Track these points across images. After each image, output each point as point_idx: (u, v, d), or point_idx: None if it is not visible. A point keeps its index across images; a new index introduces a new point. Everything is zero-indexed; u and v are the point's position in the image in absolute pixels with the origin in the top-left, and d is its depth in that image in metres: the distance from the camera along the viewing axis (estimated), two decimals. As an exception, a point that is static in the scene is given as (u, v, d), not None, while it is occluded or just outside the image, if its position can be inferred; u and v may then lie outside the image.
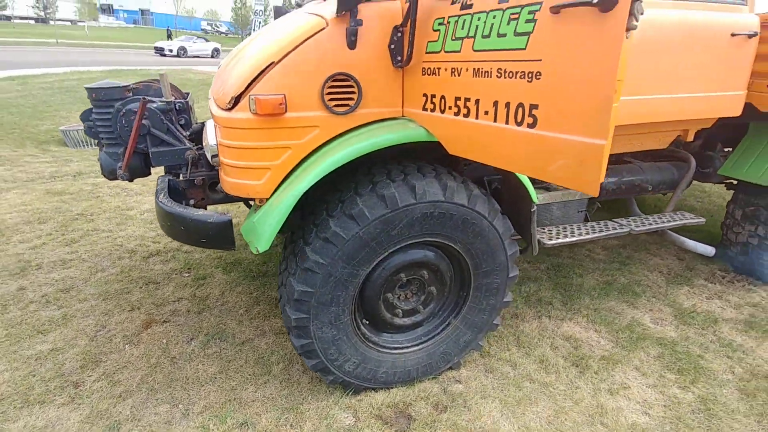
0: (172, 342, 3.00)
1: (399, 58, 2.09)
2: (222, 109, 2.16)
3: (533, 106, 1.48)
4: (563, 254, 4.36)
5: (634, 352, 3.03)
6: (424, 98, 2.05)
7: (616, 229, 3.02)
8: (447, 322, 2.70)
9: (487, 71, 1.65)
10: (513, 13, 1.51)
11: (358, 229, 2.15)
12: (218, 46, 34.19)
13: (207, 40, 35.12)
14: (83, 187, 6.00)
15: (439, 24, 1.90)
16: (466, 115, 1.81)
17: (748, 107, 3.12)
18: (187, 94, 3.16)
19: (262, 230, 2.07)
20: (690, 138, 3.22)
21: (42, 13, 46.46)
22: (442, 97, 1.93)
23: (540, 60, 1.43)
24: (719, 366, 2.95)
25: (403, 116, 2.24)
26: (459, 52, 1.78)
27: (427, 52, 1.99)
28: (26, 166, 6.98)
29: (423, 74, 2.03)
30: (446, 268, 2.57)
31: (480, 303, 2.65)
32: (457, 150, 1.96)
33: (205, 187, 2.67)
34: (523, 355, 2.98)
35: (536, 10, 1.43)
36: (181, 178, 2.63)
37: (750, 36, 2.82)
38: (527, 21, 1.46)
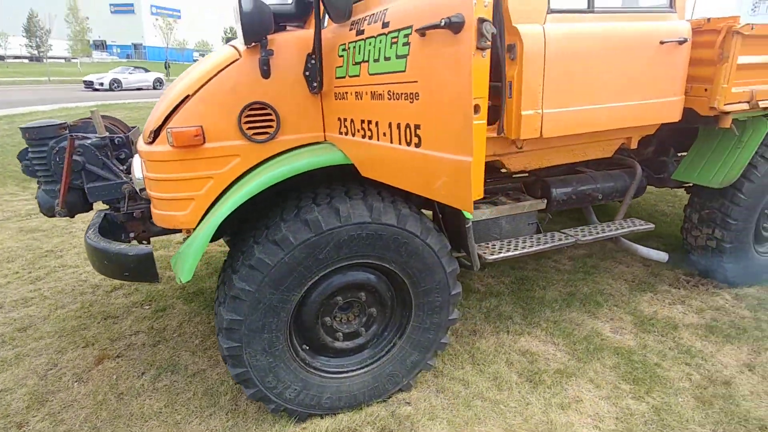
0: (122, 377, 2.96)
1: (314, 84, 2.12)
2: (144, 142, 2.18)
3: (417, 126, 1.49)
4: (528, 266, 4.34)
5: (590, 364, 2.99)
6: (339, 122, 2.08)
7: (562, 240, 3.01)
8: (392, 343, 2.67)
9: (381, 94, 1.67)
10: (393, 37, 1.54)
11: (283, 255, 2.14)
12: (161, 76, 30.36)
13: (147, 70, 30.73)
14: (57, 223, 6.00)
15: (343, 50, 1.93)
16: (370, 137, 1.83)
17: (691, 112, 3.14)
18: (133, 128, 3.19)
19: (184, 261, 2.07)
20: (634, 145, 3.23)
21: (35, 52, 47.32)
22: (351, 120, 1.95)
23: (416, 81, 1.45)
24: (676, 374, 2.91)
25: (325, 141, 2.26)
26: (359, 76, 1.81)
27: (336, 78, 2.02)
28: (4, 205, 7.00)
29: (336, 99, 2.06)
30: (385, 289, 2.56)
31: (424, 322, 2.63)
32: (368, 172, 1.97)
33: (144, 220, 2.68)
34: (477, 372, 2.94)
35: (409, 34, 1.46)
36: (120, 211, 2.64)
37: (680, 42, 2.85)
38: (404, 44, 1.49)
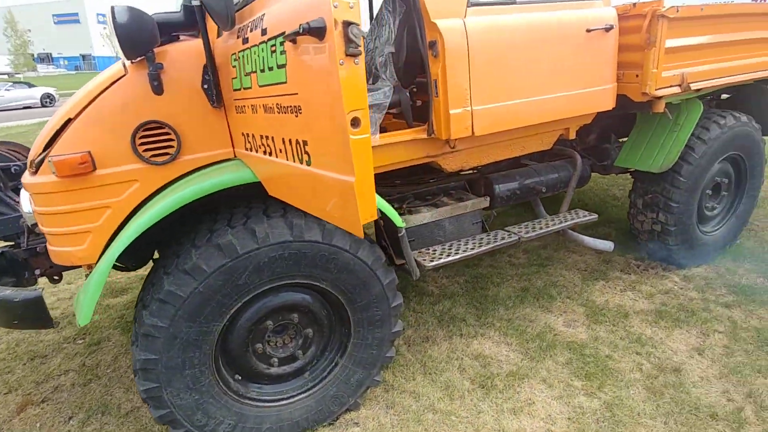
0: (47, 425, 2.72)
1: (214, 97, 1.94)
2: (29, 173, 1.97)
3: (305, 143, 1.35)
4: (483, 263, 4.26)
5: (543, 362, 2.92)
6: (243, 137, 1.91)
7: (504, 239, 2.92)
8: (334, 363, 2.53)
9: (271, 107, 1.52)
10: (272, 45, 1.39)
11: (196, 285, 1.97)
12: (51, 91, 24.54)
13: (31, 85, 25.34)
14: (-11, 254, 5.61)
15: (234, 60, 1.77)
16: (270, 154, 1.67)
17: (625, 99, 3.10)
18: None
19: (81, 302, 1.87)
20: (572, 135, 3.18)
21: (-25, 70, 45.03)
22: (253, 135, 1.79)
23: (297, 93, 1.31)
24: (627, 365, 2.87)
25: (236, 157, 2.09)
26: (251, 88, 1.65)
27: (234, 90, 1.85)
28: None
29: (237, 112, 1.89)
30: (319, 308, 2.41)
31: (365, 338, 2.50)
32: (273, 190, 1.82)
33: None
34: (429, 382, 2.83)
35: (284, 41, 1.31)
36: (21, 248, 2.40)
37: (607, 29, 2.79)
38: (281, 53, 1.34)
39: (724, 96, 4.21)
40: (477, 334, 3.25)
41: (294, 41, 1.23)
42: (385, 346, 2.57)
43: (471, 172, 3.37)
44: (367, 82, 3.07)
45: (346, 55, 1.09)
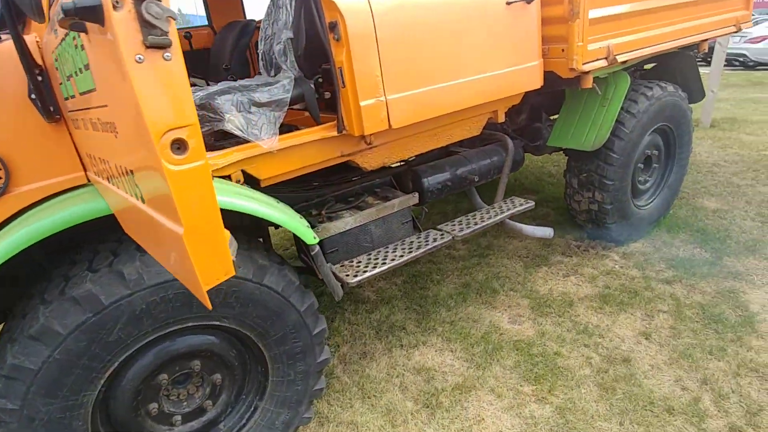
0: None
1: (44, 109, 1.49)
2: None
3: (131, 172, 0.98)
4: (422, 259, 4.00)
5: (490, 368, 2.70)
6: (89, 159, 1.49)
7: (437, 240, 2.65)
8: (253, 408, 2.17)
9: (95, 122, 1.12)
10: (73, 37, 0.99)
11: (49, 352, 1.54)
12: None
13: None
14: None
15: (56, 60, 1.33)
16: (112, 181, 1.27)
17: (553, 75, 2.89)
18: None
19: None
20: (501, 118, 2.94)
21: None
22: (94, 157, 1.38)
23: (107, 105, 0.93)
24: (576, 360, 2.70)
25: (89, 183, 1.65)
26: (75, 97, 1.24)
27: (65, 99, 1.42)
28: None
29: (75, 128, 1.46)
30: (226, 349, 2.03)
31: (287, 374, 2.15)
32: (126, 227, 1.42)
33: None
34: (368, 408, 2.53)
35: (78, 33, 0.92)
36: None
37: (528, 1, 2.54)
38: (82, 47, 0.95)
39: (648, 66, 4.14)
40: (418, 343, 2.98)
41: (83, 29, 0.84)
42: (311, 378, 2.23)
43: (397, 165, 3.07)
44: (269, 73, 2.67)
45: (147, 47, 0.72)
